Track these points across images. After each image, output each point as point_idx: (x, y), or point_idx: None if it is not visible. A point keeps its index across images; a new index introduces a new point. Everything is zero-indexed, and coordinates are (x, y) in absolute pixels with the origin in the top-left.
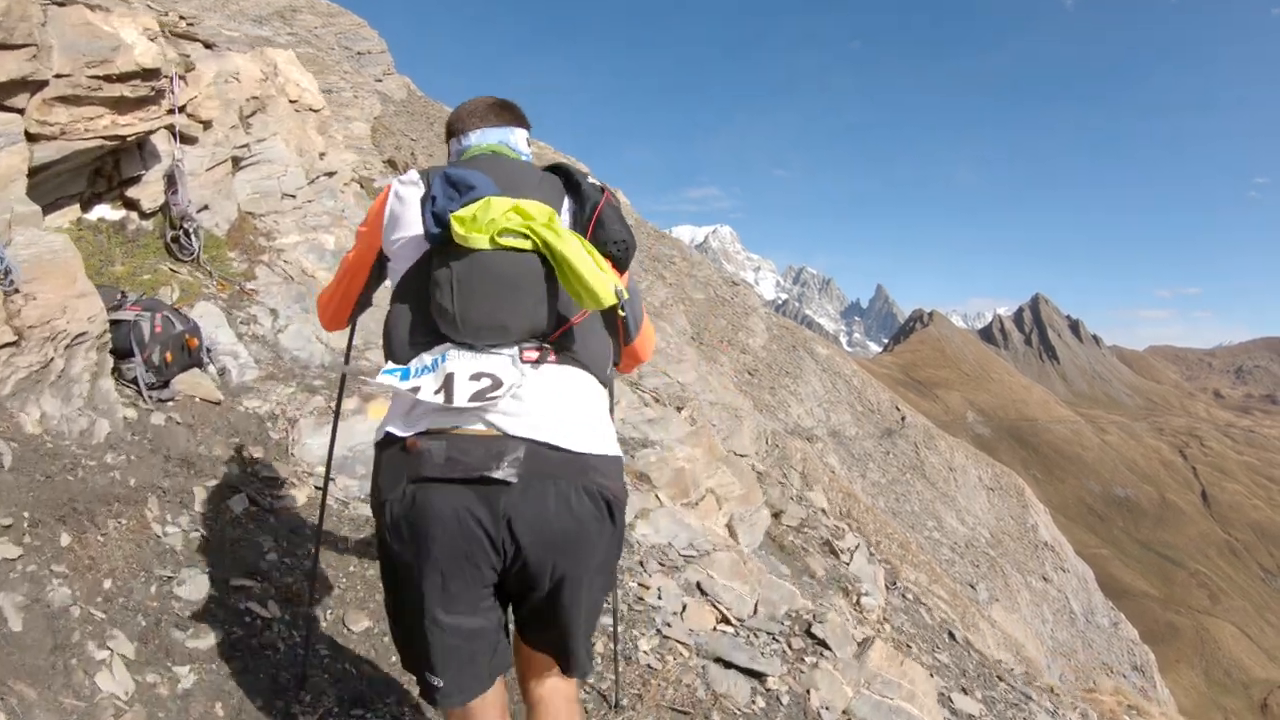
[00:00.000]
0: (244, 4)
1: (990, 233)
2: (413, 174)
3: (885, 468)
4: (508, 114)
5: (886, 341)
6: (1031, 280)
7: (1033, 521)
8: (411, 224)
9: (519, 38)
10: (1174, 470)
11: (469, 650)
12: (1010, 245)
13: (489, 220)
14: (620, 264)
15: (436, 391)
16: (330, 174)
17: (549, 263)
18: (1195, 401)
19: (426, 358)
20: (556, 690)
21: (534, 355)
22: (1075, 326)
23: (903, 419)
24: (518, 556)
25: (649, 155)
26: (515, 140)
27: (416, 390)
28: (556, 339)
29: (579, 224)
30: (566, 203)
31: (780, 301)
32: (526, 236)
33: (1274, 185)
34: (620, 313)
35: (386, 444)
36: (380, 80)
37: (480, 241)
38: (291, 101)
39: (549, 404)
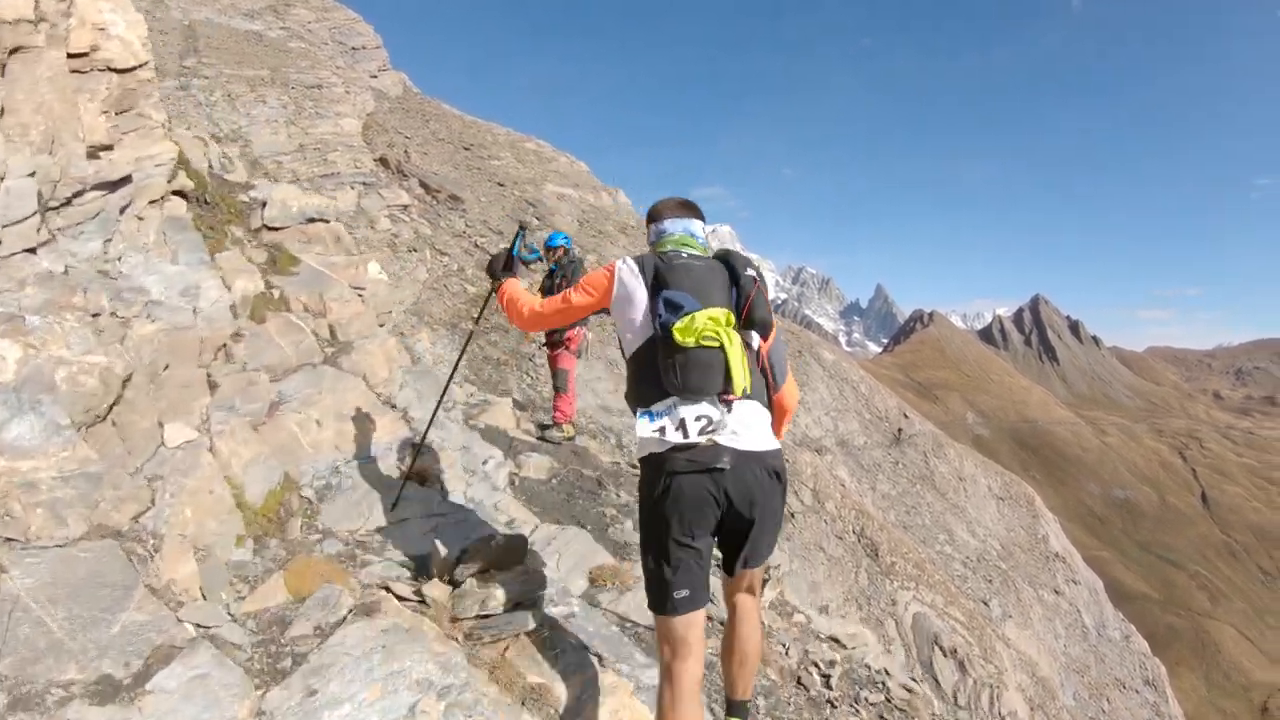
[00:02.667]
0: None
1: (991, 232)
2: (633, 265)
3: (895, 479)
4: (689, 210)
5: (886, 341)
6: (1031, 280)
7: (1043, 532)
8: (639, 309)
9: (520, 36)
10: (1174, 472)
11: (700, 565)
12: (1010, 245)
13: (695, 329)
14: (764, 333)
15: (676, 429)
16: (112, 185)
17: (726, 351)
18: (1195, 403)
19: (659, 406)
20: (746, 600)
21: (729, 400)
22: (1075, 327)
23: (899, 430)
24: (730, 507)
25: (651, 156)
26: (695, 229)
27: (662, 431)
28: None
29: (738, 305)
30: (732, 292)
31: (779, 301)
32: (715, 338)
33: (1276, 186)
34: (764, 375)
35: (648, 458)
36: (375, 76)
37: (690, 342)
38: (74, 56)
39: (741, 427)
